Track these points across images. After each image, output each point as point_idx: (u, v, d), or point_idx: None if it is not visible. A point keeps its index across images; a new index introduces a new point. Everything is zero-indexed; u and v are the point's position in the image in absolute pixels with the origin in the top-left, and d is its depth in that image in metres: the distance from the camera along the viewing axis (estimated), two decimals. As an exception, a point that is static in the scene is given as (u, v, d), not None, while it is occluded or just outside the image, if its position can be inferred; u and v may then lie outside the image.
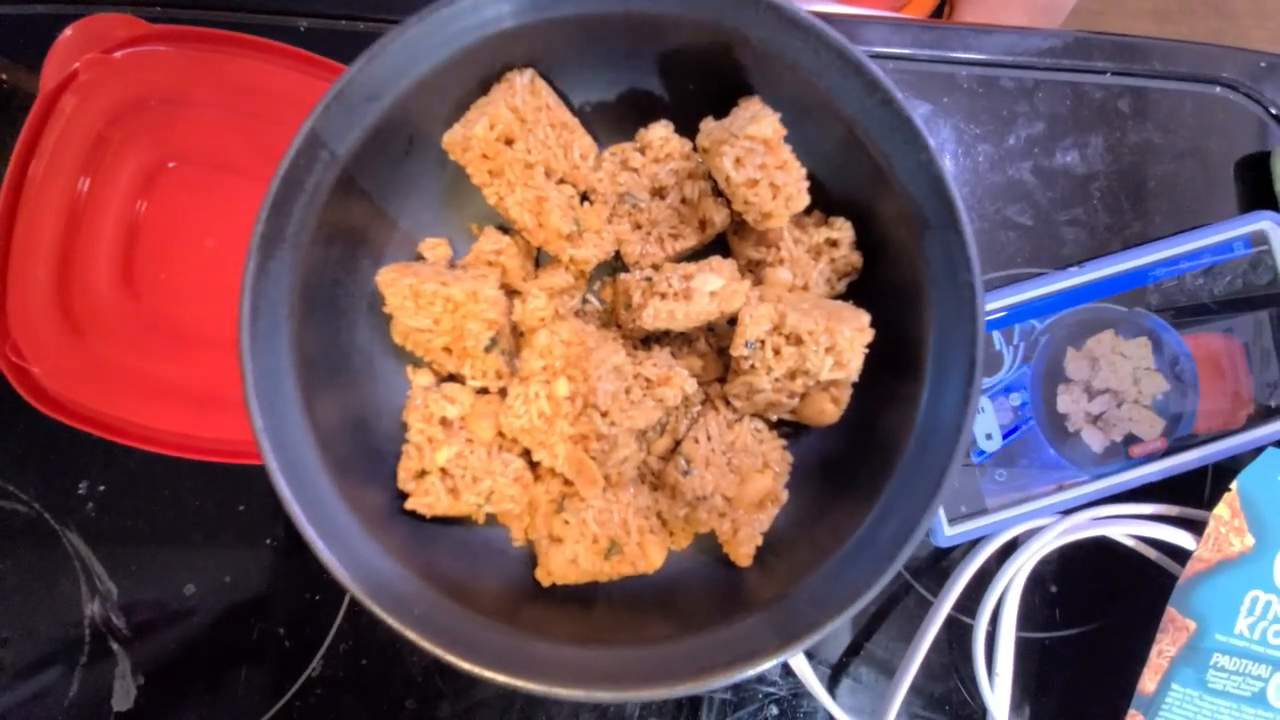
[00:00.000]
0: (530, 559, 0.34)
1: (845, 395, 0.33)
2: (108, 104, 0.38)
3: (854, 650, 0.41)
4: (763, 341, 0.31)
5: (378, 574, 0.28)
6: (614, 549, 0.33)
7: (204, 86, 0.39)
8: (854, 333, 0.30)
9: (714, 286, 0.32)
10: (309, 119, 0.29)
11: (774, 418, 0.35)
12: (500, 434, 0.33)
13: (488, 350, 0.32)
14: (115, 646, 0.39)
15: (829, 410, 0.33)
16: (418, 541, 0.32)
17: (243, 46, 0.40)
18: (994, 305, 0.41)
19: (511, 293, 0.36)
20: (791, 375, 0.32)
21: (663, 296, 0.32)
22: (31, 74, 0.38)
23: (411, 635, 0.27)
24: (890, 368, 0.32)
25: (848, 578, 0.29)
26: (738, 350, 0.32)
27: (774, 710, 0.41)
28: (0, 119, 0.40)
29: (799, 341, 0.31)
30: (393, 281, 0.31)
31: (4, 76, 0.41)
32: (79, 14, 0.39)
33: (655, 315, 0.32)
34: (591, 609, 0.33)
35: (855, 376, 0.32)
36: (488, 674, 0.27)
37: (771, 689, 0.41)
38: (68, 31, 0.38)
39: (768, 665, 0.28)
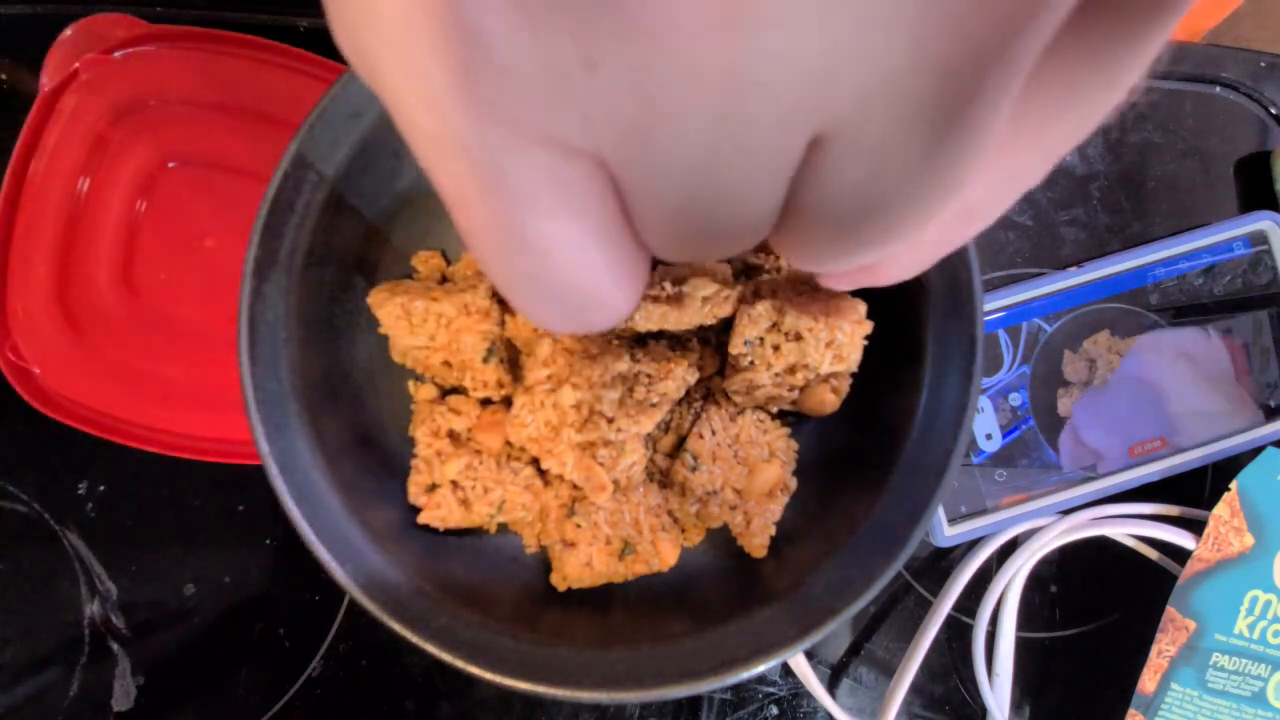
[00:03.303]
0: (544, 565, 0.34)
1: (845, 385, 0.34)
2: (108, 104, 0.38)
3: (854, 650, 0.41)
4: (761, 339, 0.31)
5: (395, 590, 0.28)
6: (627, 549, 0.33)
7: (204, 86, 0.39)
8: (853, 326, 0.31)
9: (706, 292, 0.31)
10: (294, 141, 0.29)
11: (775, 410, 0.35)
12: (508, 443, 0.33)
13: (485, 361, 0.32)
14: (115, 646, 0.39)
15: (829, 400, 0.33)
16: (432, 554, 0.32)
17: (243, 46, 0.40)
18: (994, 305, 0.41)
19: (504, 300, 0.36)
20: (791, 370, 0.32)
21: (655, 300, 0.32)
22: (31, 74, 0.38)
23: (431, 648, 0.27)
24: (890, 355, 0.33)
25: (862, 563, 0.29)
26: (736, 349, 0.32)
27: (774, 710, 0.41)
28: (0, 119, 0.40)
29: (799, 338, 0.31)
30: (384, 302, 0.31)
31: (4, 76, 0.41)
32: (79, 14, 0.39)
33: (647, 318, 0.32)
34: (608, 611, 0.33)
35: (854, 368, 0.32)
36: (511, 683, 0.27)
37: (771, 689, 0.41)
38: (68, 31, 0.38)
39: (790, 654, 0.28)
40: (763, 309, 0.31)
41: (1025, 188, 0.13)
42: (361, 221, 0.33)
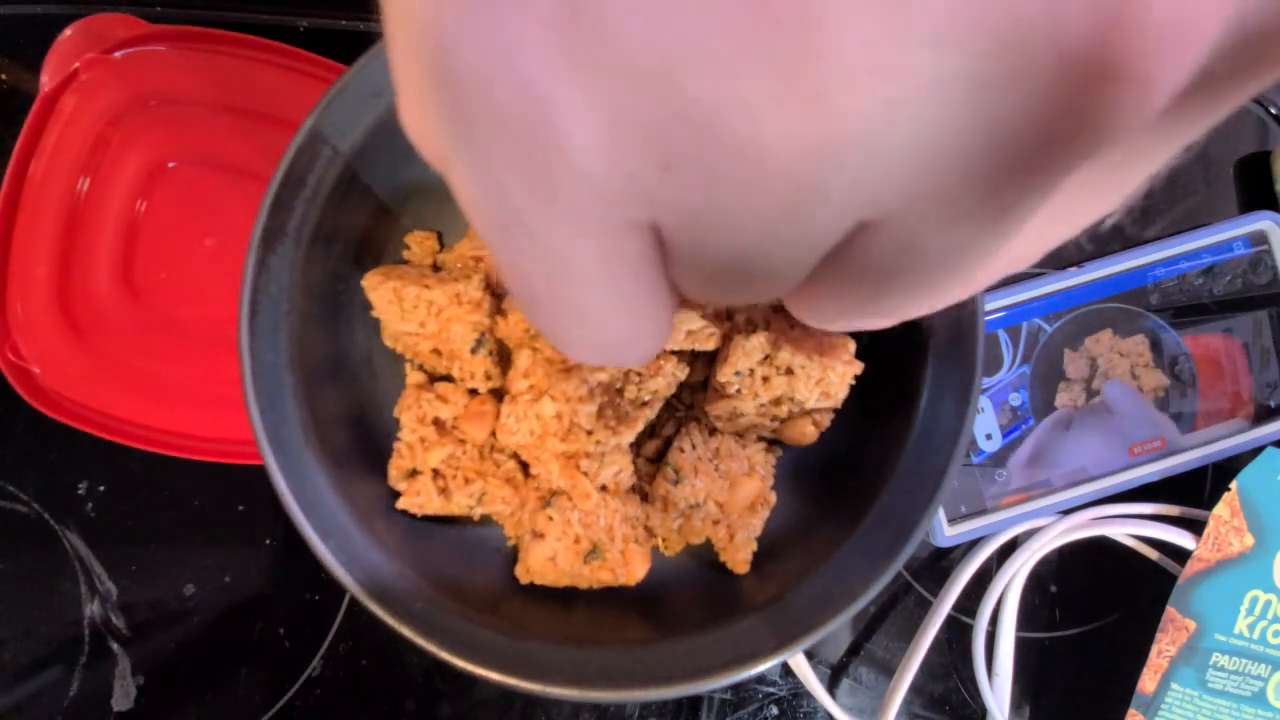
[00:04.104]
0: None
1: (827, 420, 0.33)
2: (108, 104, 0.38)
3: (854, 650, 0.41)
4: (752, 370, 0.31)
5: (375, 570, 0.28)
6: (594, 553, 0.32)
7: (204, 86, 0.39)
8: (845, 366, 0.30)
9: (692, 326, 0.31)
10: (311, 115, 0.29)
11: (754, 437, 0.35)
12: (493, 434, 0.33)
13: (474, 352, 0.32)
14: (115, 646, 0.39)
15: (809, 432, 0.33)
16: (415, 537, 0.32)
17: (243, 46, 0.40)
18: (994, 305, 0.41)
19: (498, 294, 0.36)
20: (777, 402, 0.32)
21: None
22: (31, 74, 0.38)
23: (406, 631, 0.27)
24: (891, 359, 0.32)
25: (846, 579, 0.29)
26: (725, 377, 0.31)
27: (774, 710, 0.41)
28: (0, 119, 0.40)
29: (790, 373, 0.31)
30: (377, 285, 0.31)
31: (4, 76, 0.41)
32: (79, 14, 0.39)
33: None
34: (570, 609, 0.32)
35: (839, 405, 0.32)
36: (484, 673, 0.27)
37: (771, 689, 0.41)
38: (68, 31, 0.38)
39: (766, 666, 0.28)
40: (757, 342, 0.30)
41: (1046, 251, 0.13)
42: (373, 201, 0.33)
